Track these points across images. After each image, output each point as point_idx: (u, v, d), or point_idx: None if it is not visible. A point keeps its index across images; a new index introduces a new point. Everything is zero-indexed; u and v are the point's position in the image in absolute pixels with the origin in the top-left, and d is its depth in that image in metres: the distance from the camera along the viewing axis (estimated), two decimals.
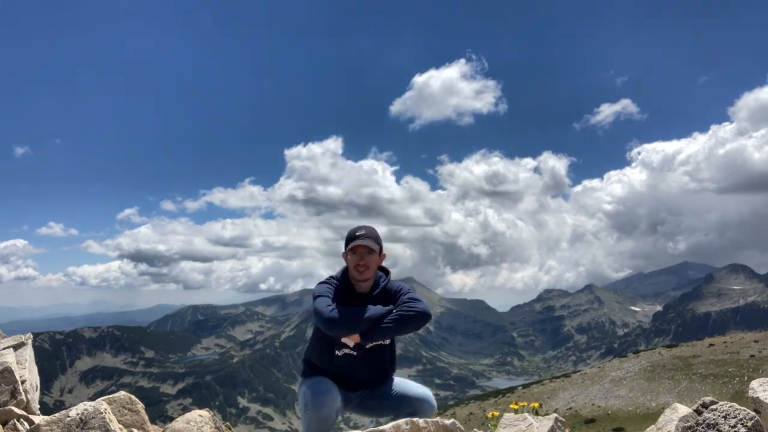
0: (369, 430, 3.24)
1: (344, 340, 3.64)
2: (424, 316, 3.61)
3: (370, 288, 3.77)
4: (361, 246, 3.67)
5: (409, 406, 3.73)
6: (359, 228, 3.76)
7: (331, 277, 3.87)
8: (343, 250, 3.83)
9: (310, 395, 3.55)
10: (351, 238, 3.73)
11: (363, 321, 3.55)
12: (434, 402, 3.88)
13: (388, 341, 3.81)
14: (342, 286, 3.77)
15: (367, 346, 3.69)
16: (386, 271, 3.87)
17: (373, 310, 3.59)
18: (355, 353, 3.69)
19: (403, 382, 3.92)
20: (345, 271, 3.84)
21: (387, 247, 4.04)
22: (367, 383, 3.81)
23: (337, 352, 3.69)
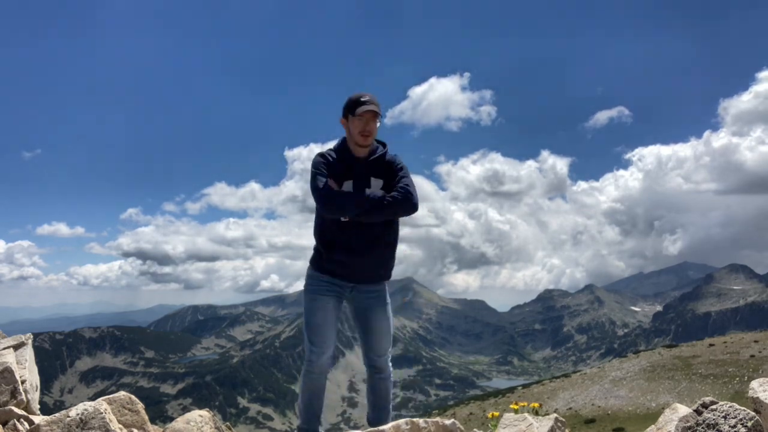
0: (369, 430, 3.23)
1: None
2: (413, 206, 3.67)
3: (367, 154, 3.75)
4: (368, 111, 3.61)
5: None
6: (362, 94, 3.66)
7: (330, 149, 3.83)
8: (341, 116, 3.76)
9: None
10: (356, 103, 3.64)
11: (358, 204, 3.56)
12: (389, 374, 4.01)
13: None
14: (339, 157, 3.73)
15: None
16: (383, 144, 3.85)
17: (368, 193, 3.62)
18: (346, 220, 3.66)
19: (383, 331, 3.88)
20: (342, 141, 3.81)
21: None
22: (367, 262, 3.74)
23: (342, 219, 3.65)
